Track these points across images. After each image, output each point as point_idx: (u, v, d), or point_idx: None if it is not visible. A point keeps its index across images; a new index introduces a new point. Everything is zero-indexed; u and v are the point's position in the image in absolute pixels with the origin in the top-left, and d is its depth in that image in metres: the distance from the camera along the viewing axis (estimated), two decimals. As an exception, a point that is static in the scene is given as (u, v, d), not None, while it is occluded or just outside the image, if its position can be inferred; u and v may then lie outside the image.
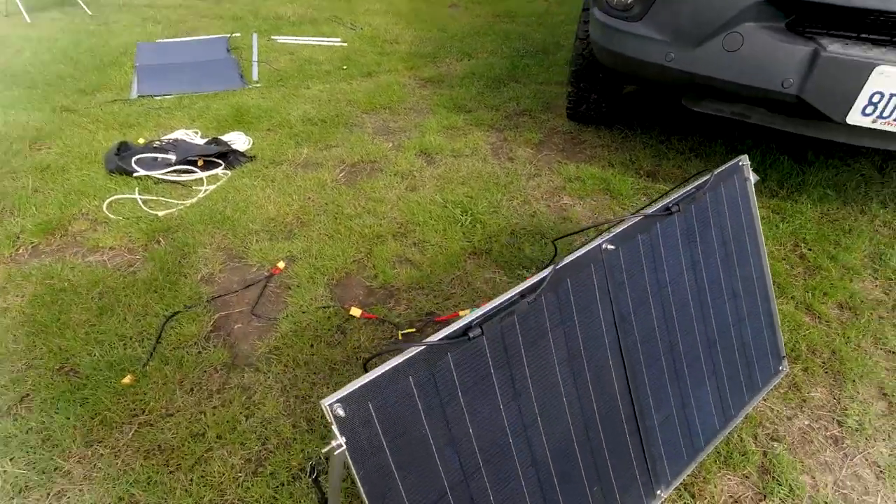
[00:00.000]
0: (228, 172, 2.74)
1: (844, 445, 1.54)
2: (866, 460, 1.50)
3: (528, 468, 1.12)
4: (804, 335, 1.85)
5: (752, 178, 1.58)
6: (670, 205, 1.35)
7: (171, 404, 1.60)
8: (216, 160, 2.78)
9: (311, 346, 1.80)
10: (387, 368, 0.87)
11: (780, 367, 1.71)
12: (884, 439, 1.55)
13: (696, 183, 1.45)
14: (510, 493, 1.10)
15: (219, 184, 2.64)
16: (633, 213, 1.29)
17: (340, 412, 0.81)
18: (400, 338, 1.83)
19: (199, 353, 1.77)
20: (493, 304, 1.01)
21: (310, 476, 1.44)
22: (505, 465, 1.08)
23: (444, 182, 2.70)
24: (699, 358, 1.48)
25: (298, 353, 1.77)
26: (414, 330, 1.86)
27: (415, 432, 0.93)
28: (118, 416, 1.56)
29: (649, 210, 1.32)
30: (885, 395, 1.68)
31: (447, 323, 1.91)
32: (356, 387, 0.84)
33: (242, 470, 1.44)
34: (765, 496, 1.41)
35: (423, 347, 0.91)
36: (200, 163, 2.76)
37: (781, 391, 1.68)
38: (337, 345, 1.81)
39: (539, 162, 2.90)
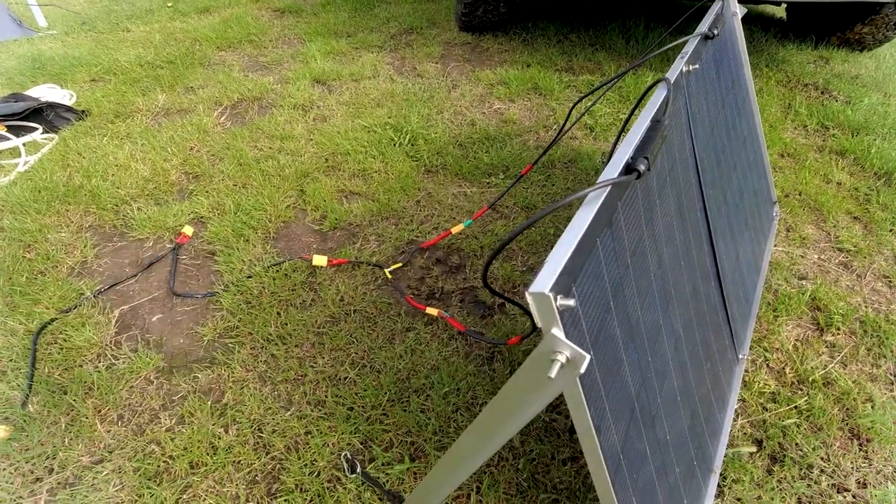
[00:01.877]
0: (54, 135, 1.96)
1: (854, 267, 1.57)
2: (875, 275, 1.55)
3: (673, 354, 0.87)
4: (773, 182, 1.87)
5: (740, 11, 1.47)
6: (710, 29, 1.16)
7: (94, 446, 1.04)
8: (28, 124, 1.97)
9: (279, 314, 1.32)
10: (584, 228, 0.53)
11: (774, 213, 1.70)
12: (878, 254, 1.62)
13: (715, 10, 1.27)
14: (668, 390, 0.84)
15: (45, 150, 1.87)
16: (683, 38, 1.07)
17: (570, 302, 0.46)
18: (389, 276, 1.44)
19: (112, 365, 1.19)
20: (636, 137, 0.71)
21: (352, 472, 1.04)
22: (663, 356, 0.82)
23: (357, 107, 2.25)
24: (738, 209, 1.36)
25: (264, 327, 1.28)
26: (401, 264, 1.48)
27: (608, 328, 0.61)
28: (6, 490, 0.96)
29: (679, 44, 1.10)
30: (856, 218, 1.76)
31: (437, 247, 1.56)
32: (563, 263, 0.49)
33: (251, 497, 0.98)
34: (823, 330, 1.37)
35: (609, 188, 0.58)
36: (1, 128, 1.93)
37: (782, 234, 1.67)
38: (312, 304, 1.35)
39: (452, 74, 2.58)
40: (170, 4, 3.27)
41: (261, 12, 3.30)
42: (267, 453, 1.05)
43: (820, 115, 2.31)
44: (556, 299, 0.45)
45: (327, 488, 0.99)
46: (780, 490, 1.06)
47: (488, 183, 1.82)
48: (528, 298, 0.46)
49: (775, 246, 1.62)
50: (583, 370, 0.46)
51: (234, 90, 2.33)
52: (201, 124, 2.05)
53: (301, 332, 1.29)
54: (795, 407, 1.19)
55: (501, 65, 2.66)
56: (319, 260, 1.46)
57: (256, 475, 1.01)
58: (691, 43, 1.03)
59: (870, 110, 2.35)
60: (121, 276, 1.43)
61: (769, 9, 3.64)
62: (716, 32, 1.15)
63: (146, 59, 2.55)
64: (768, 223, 1.63)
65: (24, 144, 1.88)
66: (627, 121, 0.86)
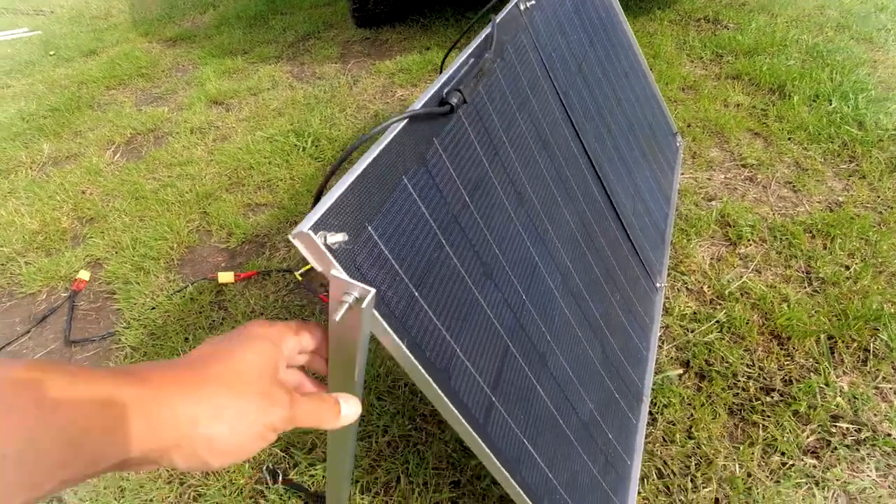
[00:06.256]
0: (-67, 208, 1.83)
1: (758, 180, 1.60)
2: (780, 184, 1.58)
3: (560, 287, 0.85)
4: (675, 115, 1.90)
5: (597, -50, 1.47)
6: (554, -34, 1.15)
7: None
8: None
9: (187, 339, 1.25)
10: (364, 165, 0.50)
11: (678, 143, 1.71)
12: (780, 163, 1.65)
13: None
14: (560, 327, 0.82)
15: (-78, 225, 1.74)
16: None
17: (338, 238, 0.42)
18: (300, 279, 1.38)
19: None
20: (448, 72, 0.68)
21: (274, 482, 0.98)
22: (545, 295, 0.79)
23: (258, 120, 2.18)
24: (629, 141, 1.36)
25: (171, 355, 1.21)
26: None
27: (443, 266, 0.57)
28: None
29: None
30: (757, 134, 1.80)
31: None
32: (334, 199, 0.45)
33: (165, 534, 0.91)
34: (736, 244, 1.38)
35: (406, 121, 0.55)
36: None
37: (688, 162, 1.69)
38: (222, 322, 1.29)
39: (352, 70, 2.54)
40: (52, 53, 3.11)
41: (151, 45, 3.18)
42: (182, 483, 0.98)
43: (713, 45, 2.36)
44: (323, 239, 0.42)
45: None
46: (712, 404, 1.06)
47: (396, 168, 1.79)
48: (295, 241, 0.42)
49: (682, 174, 1.64)
50: (366, 303, 0.42)
51: (127, 126, 2.22)
52: (92, 166, 1.95)
53: (212, 353, 1.22)
54: (717, 321, 1.20)
55: (401, 53, 2.63)
56: (225, 277, 1.40)
57: (172, 510, 0.95)
58: (530, -21, 1.01)
59: (758, 32, 2.42)
60: (12, 335, 1.33)
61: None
62: (561, -32, 1.14)
63: (28, 112, 2.41)
64: (672, 154, 1.65)
65: None
66: (445, 59, 0.84)
